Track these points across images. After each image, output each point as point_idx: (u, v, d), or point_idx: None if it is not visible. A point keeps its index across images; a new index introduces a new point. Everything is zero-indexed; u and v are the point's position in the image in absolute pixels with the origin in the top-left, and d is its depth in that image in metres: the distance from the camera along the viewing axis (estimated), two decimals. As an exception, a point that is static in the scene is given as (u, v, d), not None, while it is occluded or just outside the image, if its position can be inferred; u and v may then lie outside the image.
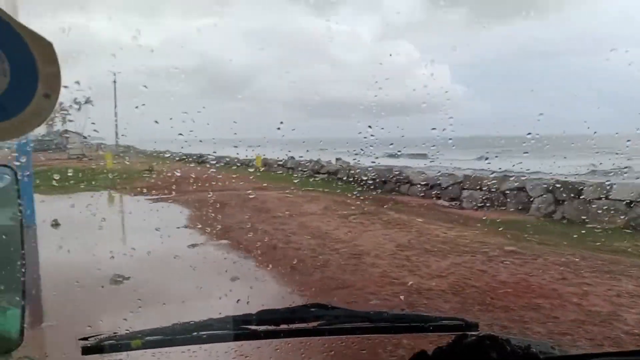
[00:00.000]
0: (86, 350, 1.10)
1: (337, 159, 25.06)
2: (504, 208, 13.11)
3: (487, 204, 13.74)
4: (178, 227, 9.35)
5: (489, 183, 14.53)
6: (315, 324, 1.13)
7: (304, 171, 22.73)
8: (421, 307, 4.91)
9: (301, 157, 25.68)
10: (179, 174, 18.27)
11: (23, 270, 0.97)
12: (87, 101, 56.27)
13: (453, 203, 14.23)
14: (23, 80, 0.87)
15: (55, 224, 9.56)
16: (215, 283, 5.72)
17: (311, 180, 19.28)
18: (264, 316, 1.16)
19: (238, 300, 4.28)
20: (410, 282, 5.66)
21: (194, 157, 29.95)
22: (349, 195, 14.07)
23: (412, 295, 5.26)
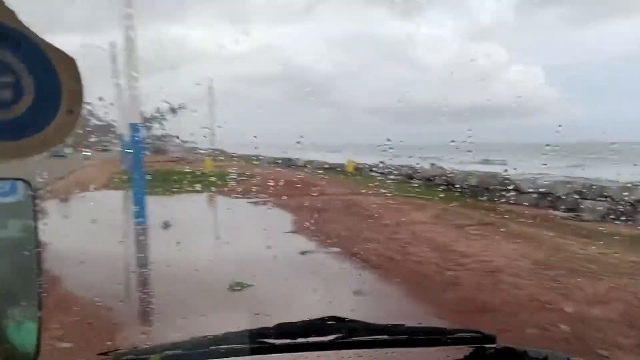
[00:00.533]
0: None
1: (432, 164, 24.01)
2: (631, 221, 11.58)
3: (612, 216, 12.22)
4: (285, 232, 9.07)
5: (611, 193, 13.01)
6: (332, 337, 1.09)
7: (397, 176, 21.96)
8: (595, 341, 4.10)
9: (391, 161, 25.01)
10: (273, 178, 18.30)
11: (39, 283, 0.94)
12: (181, 106, 59.40)
13: (571, 214, 12.84)
14: (47, 96, 0.87)
15: (166, 226, 9.66)
16: (337, 296, 5.25)
17: (407, 186, 18.48)
18: (281, 330, 1.14)
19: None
20: (569, 309, 4.82)
21: (284, 161, 30.24)
22: (455, 203, 13.17)
23: (575, 325, 4.44)
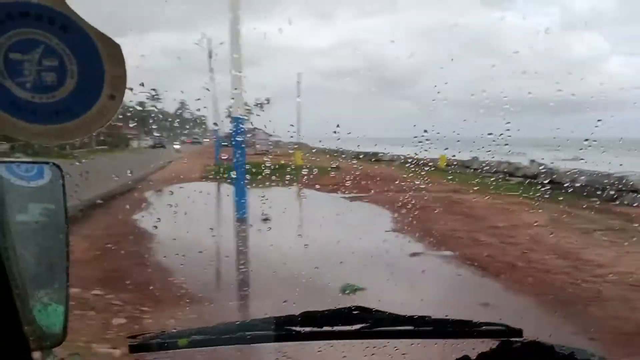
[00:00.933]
0: (134, 349, 1.11)
1: (532, 161, 22.40)
2: None
3: None
4: (387, 231, 8.65)
5: None
6: (358, 326, 1.10)
7: (493, 173, 20.68)
8: None
9: (484, 157, 23.62)
10: (362, 173, 17.93)
11: (67, 266, 0.92)
12: (267, 101, 60.88)
13: None
14: (90, 81, 0.88)
15: (266, 219, 9.60)
16: (463, 307, 4.73)
17: (506, 183, 17.27)
18: (308, 318, 1.14)
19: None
20: None
21: (369, 156, 29.69)
22: (567, 204, 12.00)
23: None
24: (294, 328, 1.15)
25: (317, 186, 14.68)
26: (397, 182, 15.91)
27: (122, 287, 5.32)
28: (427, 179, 17.48)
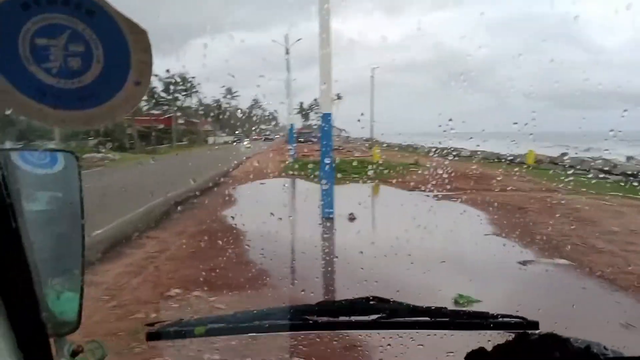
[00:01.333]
0: (151, 336, 1.12)
1: (629, 158, 20.51)
2: None
3: None
4: (486, 234, 8.04)
5: None
6: (375, 317, 1.10)
7: (585, 171, 19.09)
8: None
9: (576, 153, 21.91)
10: (444, 170, 17.15)
11: (82, 254, 0.91)
12: (338, 96, 60.79)
13: None
14: (116, 67, 0.86)
15: (352, 218, 9.30)
16: (600, 329, 4.12)
17: (605, 182, 15.83)
18: (324, 307, 1.16)
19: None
20: None
21: (447, 151, 28.68)
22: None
23: None
24: (310, 317, 1.13)
25: (400, 183, 14.19)
26: (483, 179, 15.09)
27: (223, 288, 5.18)
28: (516, 177, 16.46)
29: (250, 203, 11.83)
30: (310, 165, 17.83)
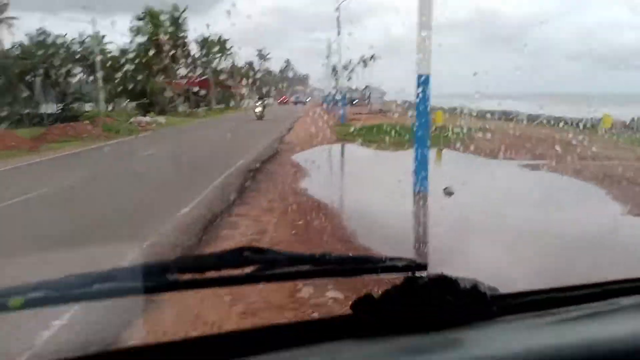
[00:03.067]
0: None
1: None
2: None
3: None
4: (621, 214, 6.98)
5: None
6: (249, 269, 0.93)
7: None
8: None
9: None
10: (511, 135, 15.91)
11: None
12: (372, 58, 58.77)
13: None
14: None
15: (449, 193, 8.30)
16: None
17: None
18: (185, 264, 1.01)
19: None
20: None
21: (497, 115, 27.01)
22: None
23: None
24: (168, 276, 0.92)
25: (475, 150, 13.04)
26: (565, 145, 13.78)
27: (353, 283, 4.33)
28: (601, 143, 15.05)
29: (322, 173, 10.97)
30: (369, 130, 16.80)
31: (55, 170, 11.97)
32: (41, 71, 27.87)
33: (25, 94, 28.16)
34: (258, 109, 25.66)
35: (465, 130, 16.56)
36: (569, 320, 0.82)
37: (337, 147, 15.59)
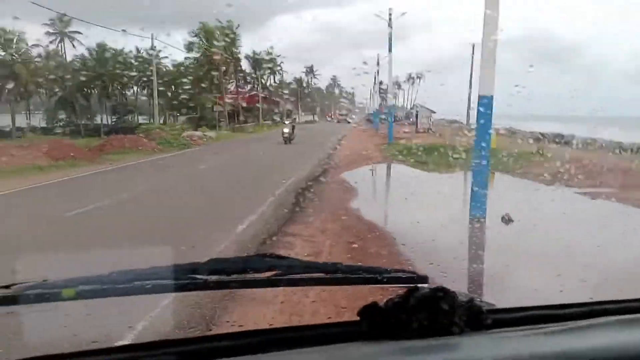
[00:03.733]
0: (4, 300, 0.96)
1: None
2: None
3: None
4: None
5: None
6: (269, 274, 1.06)
7: None
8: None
9: None
10: (569, 158, 15.18)
11: None
12: (419, 77, 58.42)
13: None
14: None
15: (509, 220, 7.94)
16: None
17: None
18: (214, 266, 1.09)
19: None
20: None
21: (552, 137, 26.00)
22: None
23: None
24: (199, 276, 1.03)
25: (535, 176, 12.52)
26: (631, 175, 13.04)
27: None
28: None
29: (371, 193, 10.81)
30: (421, 151, 16.50)
31: (120, 180, 12.33)
32: (98, 83, 29.17)
33: (83, 105, 29.51)
34: (286, 130, 22.11)
35: (518, 154, 16.04)
36: (553, 333, 0.88)
37: (386, 167, 15.37)
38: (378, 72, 39.05)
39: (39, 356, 0.94)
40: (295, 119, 30.66)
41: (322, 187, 11.08)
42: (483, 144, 7.84)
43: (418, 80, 55.93)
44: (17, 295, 1.00)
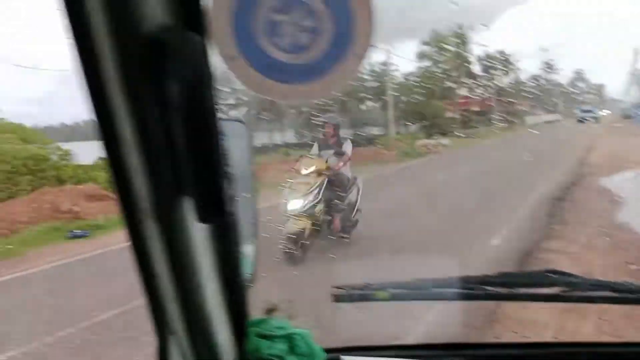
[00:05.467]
0: (337, 298, 1.18)
1: None
2: None
3: None
4: None
5: None
6: (554, 290, 1.06)
7: None
8: None
9: None
10: None
11: (256, 228, 0.97)
12: None
13: None
14: (339, 39, 0.83)
15: None
16: None
17: None
18: (503, 279, 1.14)
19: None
20: None
21: None
22: None
23: None
24: (489, 288, 1.09)
25: None
26: None
27: None
28: None
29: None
30: None
31: (383, 187, 13.04)
32: (341, 99, 31.96)
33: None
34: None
35: None
36: None
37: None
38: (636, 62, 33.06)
39: (351, 347, 1.13)
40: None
41: (578, 192, 10.09)
42: None
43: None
44: (346, 295, 1.18)
